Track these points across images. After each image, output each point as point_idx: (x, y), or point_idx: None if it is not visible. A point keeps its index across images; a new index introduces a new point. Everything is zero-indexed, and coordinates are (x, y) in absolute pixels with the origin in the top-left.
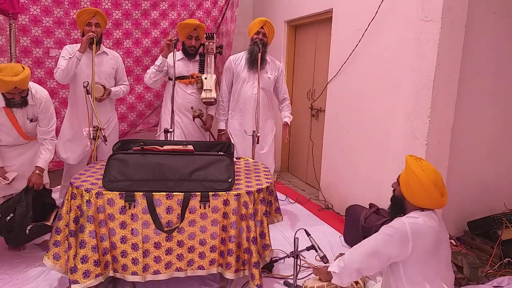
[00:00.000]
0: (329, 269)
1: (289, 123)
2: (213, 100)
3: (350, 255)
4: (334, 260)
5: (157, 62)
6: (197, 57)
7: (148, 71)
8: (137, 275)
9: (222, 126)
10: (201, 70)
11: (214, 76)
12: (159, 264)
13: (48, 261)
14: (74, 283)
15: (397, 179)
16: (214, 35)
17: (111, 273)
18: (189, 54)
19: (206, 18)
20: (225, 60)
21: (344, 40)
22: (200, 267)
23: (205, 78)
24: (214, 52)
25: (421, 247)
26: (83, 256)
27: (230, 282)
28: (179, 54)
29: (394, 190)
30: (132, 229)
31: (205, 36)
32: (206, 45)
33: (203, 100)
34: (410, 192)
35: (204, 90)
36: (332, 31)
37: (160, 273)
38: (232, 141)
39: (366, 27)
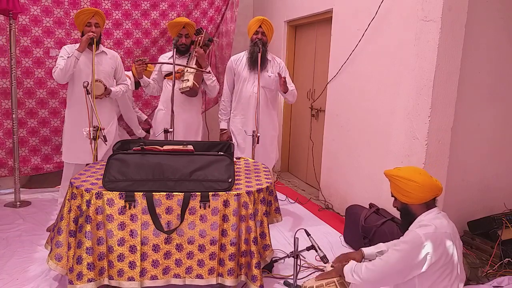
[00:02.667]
0: (346, 279)
1: (289, 88)
2: (188, 89)
3: (368, 275)
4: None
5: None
6: (187, 54)
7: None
8: (134, 280)
9: (223, 125)
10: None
11: (194, 67)
12: (157, 268)
13: (50, 262)
14: (70, 283)
15: (392, 196)
16: (202, 29)
17: (105, 281)
18: (180, 52)
19: (202, 18)
20: (225, 60)
21: (344, 40)
22: (199, 276)
23: (186, 70)
24: (201, 45)
25: (440, 257)
26: (78, 256)
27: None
28: (170, 53)
29: (396, 208)
30: (131, 231)
31: (195, 32)
32: (196, 40)
33: (180, 91)
34: (406, 194)
35: (182, 81)
36: (332, 31)
37: (157, 278)
38: (234, 141)
39: (366, 27)
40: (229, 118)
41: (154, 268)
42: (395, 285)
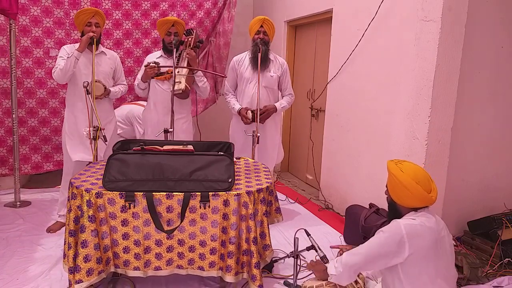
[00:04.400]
0: (328, 271)
1: (278, 107)
2: (180, 91)
3: (347, 258)
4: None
5: (141, 86)
6: (177, 54)
7: (135, 86)
8: (139, 270)
9: (238, 106)
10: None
11: (186, 69)
12: (160, 261)
13: (62, 263)
14: (78, 283)
15: (386, 186)
16: (193, 30)
17: (112, 269)
18: (168, 51)
19: (205, 19)
20: (223, 60)
21: (344, 40)
22: (200, 268)
23: (178, 72)
24: (192, 47)
25: (419, 249)
26: (85, 255)
27: (230, 283)
28: (159, 52)
29: (387, 198)
30: (134, 226)
31: (184, 32)
32: (185, 41)
33: (173, 93)
34: (397, 195)
35: (175, 82)
36: (332, 31)
37: (161, 269)
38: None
39: (366, 27)
40: (232, 121)
41: (158, 260)
42: (383, 276)
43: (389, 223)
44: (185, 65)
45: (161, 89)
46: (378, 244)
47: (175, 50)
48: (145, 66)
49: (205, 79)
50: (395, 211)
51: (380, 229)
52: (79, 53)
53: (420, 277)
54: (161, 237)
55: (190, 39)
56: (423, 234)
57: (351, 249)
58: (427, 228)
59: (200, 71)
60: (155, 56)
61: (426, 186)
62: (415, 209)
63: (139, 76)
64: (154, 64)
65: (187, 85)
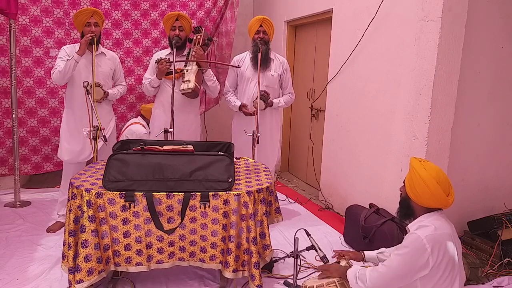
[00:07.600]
0: (351, 285)
1: (275, 103)
2: (190, 90)
3: (372, 281)
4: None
5: (154, 84)
6: (185, 51)
7: (145, 84)
8: (142, 265)
9: (238, 102)
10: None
11: (195, 67)
12: (162, 254)
13: (61, 264)
14: (79, 283)
15: (403, 182)
16: (201, 28)
17: (112, 268)
18: (176, 48)
19: (206, 19)
20: (225, 60)
21: (344, 40)
22: (201, 260)
23: (186, 70)
24: (201, 45)
25: (440, 258)
26: (86, 255)
27: (230, 282)
28: (167, 50)
29: (401, 194)
30: (135, 225)
31: (192, 30)
32: (194, 39)
33: (181, 92)
34: (415, 192)
35: (183, 81)
36: (332, 31)
37: (163, 262)
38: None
39: (366, 27)
40: (233, 120)
41: (160, 254)
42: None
43: (398, 220)
44: (194, 64)
45: (169, 89)
46: (404, 263)
47: (175, 50)
48: (156, 62)
49: (215, 78)
50: (408, 209)
51: (401, 244)
52: (79, 57)
53: (438, 285)
54: (162, 233)
55: (198, 37)
56: (444, 242)
57: (374, 268)
58: (445, 234)
59: (209, 70)
60: (164, 53)
61: (446, 188)
62: (429, 210)
63: (147, 75)
64: (165, 59)
65: (197, 84)
